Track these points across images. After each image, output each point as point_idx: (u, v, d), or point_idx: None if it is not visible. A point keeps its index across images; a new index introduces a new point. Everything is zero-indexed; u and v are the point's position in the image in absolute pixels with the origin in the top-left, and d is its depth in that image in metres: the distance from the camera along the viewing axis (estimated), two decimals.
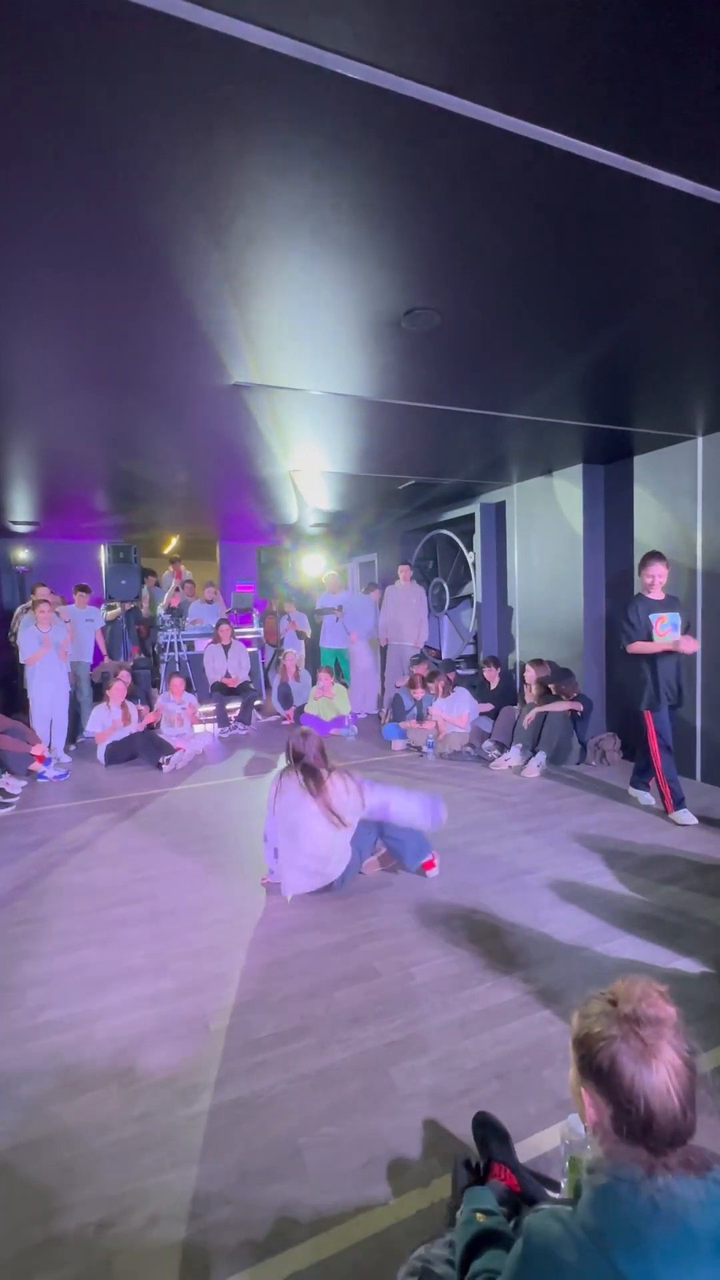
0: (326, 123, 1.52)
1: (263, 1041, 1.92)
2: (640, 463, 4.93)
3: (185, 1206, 1.41)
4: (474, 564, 6.63)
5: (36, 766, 4.96)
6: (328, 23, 1.25)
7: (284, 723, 6.98)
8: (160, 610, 7.57)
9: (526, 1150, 1.51)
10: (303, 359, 2.99)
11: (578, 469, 5.29)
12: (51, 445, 4.38)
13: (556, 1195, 1.34)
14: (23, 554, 9.08)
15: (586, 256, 2.14)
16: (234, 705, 6.74)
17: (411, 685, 5.76)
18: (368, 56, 1.33)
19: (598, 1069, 0.82)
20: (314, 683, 6.61)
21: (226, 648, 6.89)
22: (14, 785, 4.54)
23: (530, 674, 5.26)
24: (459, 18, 1.25)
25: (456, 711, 5.44)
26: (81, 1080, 1.79)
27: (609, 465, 5.26)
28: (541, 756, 4.86)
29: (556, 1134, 1.52)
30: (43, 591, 6.05)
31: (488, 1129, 1.45)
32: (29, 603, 6.09)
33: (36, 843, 3.63)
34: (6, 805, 4.27)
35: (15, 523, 7.52)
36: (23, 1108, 1.70)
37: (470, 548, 6.73)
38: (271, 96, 1.43)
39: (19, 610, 6.56)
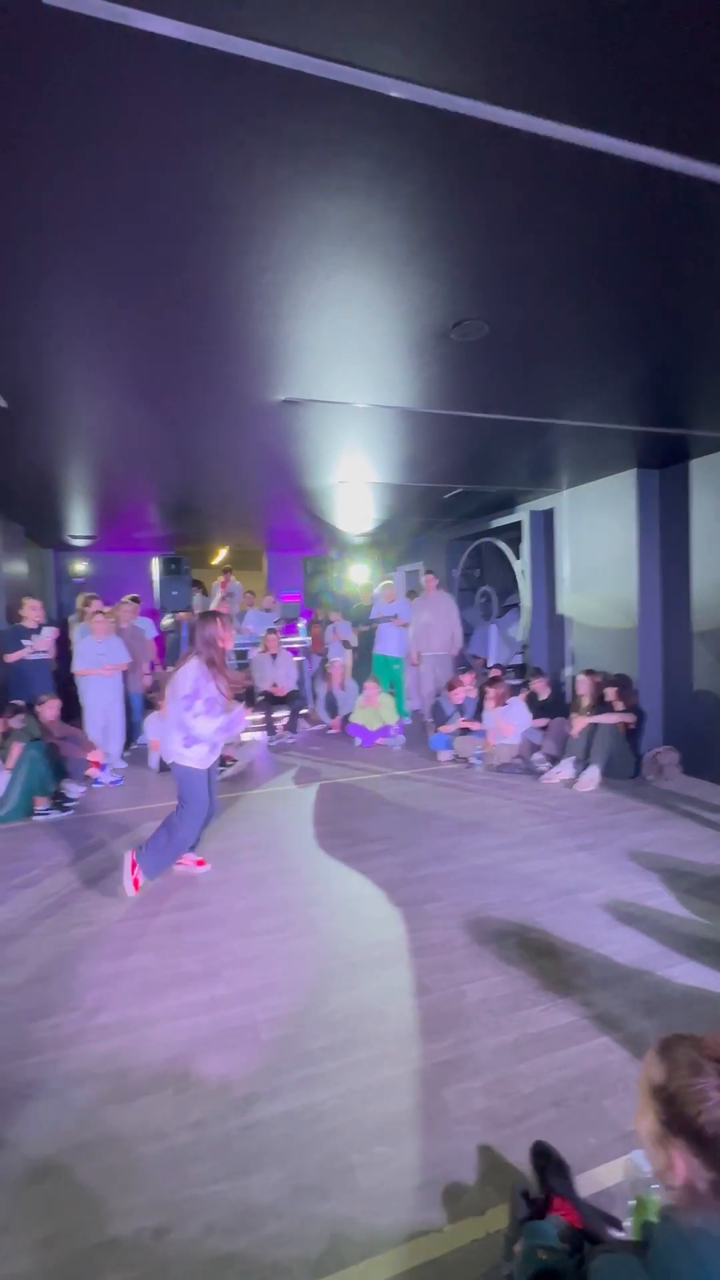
0: (377, 143, 1.54)
1: (314, 1054, 1.92)
2: (697, 466, 4.76)
3: (239, 1218, 1.41)
4: (522, 572, 6.53)
5: (93, 772, 5.14)
6: (375, 47, 1.27)
7: (330, 732, 7.01)
8: None
9: (587, 1184, 1.45)
10: (350, 373, 3.02)
11: (631, 474, 5.14)
12: (109, 463, 4.57)
13: (620, 1234, 1.28)
14: (80, 566, 9.46)
15: (641, 256, 2.09)
16: (281, 714, 6.81)
17: (450, 688, 5.71)
18: (415, 75, 1.34)
19: (697, 1132, 0.78)
20: (360, 692, 6.62)
21: (274, 656, 6.98)
22: (74, 790, 4.71)
23: (583, 685, 5.12)
24: (501, 27, 1.25)
25: (508, 721, 5.34)
26: (137, 1084, 1.83)
27: (664, 470, 5.10)
28: (595, 770, 4.72)
29: (619, 1169, 1.46)
30: (97, 605, 6.19)
31: (547, 1160, 1.40)
32: (78, 613, 6.32)
33: (94, 846, 3.75)
34: (67, 809, 4.43)
35: (74, 537, 7.85)
36: (79, 1110, 1.74)
37: (518, 555, 6.63)
38: (321, 122, 1.47)
39: (72, 619, 6.83)
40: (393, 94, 1.38)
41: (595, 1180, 1.46)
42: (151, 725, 5.67)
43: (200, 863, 3.34)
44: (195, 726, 2.98)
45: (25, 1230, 1.40)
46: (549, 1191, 1.32)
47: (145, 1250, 1.35)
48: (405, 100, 1.40)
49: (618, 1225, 1.32)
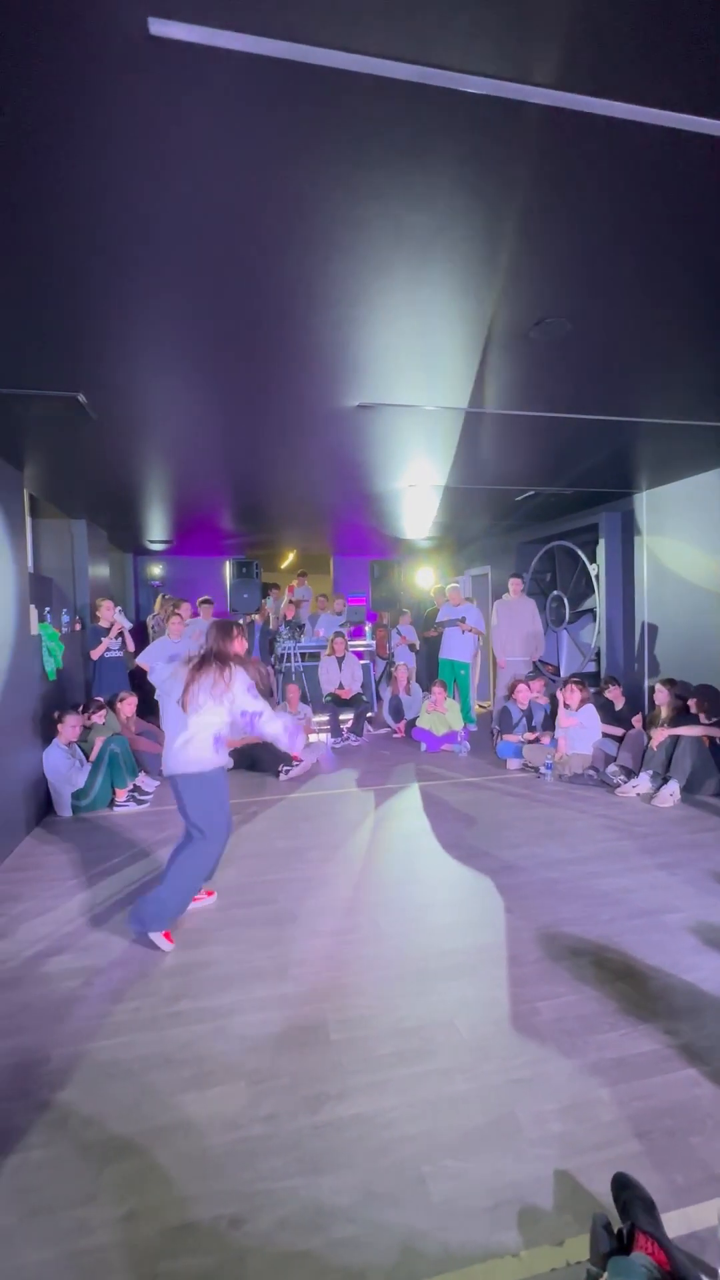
0: (462, 147, 1.52)
1: (383, 1059, 1.91)
2: None
3: (311, 1217, 1.42)
4: (597, 576, 6.30)
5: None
6: (455, 44, 1.26)
7: (395, 735, 7.00)
8: (279, 622, 7.91)
9: (674, 1223, 1.36)
10: (426, 377, 3.01)
11: (717, 473, 4.86)
12: (186, 470, 4.75)
13: None
14: (157, 569, 9.89)
15: None
16: (346, 717, 6.86)
17: (512, 692, 5.58)
18: (500, 71, 1.32)
19: None
20: (426, 696, 6.57)
21: (340, 660, 7.04)
22: (149, 784, 4.91)
23: (661, 695, 4.88)
24: (582, 10, 1.20)
25: (582, 729, 5.14)
26: (211, 1074, 1.87)
27: None
28: (674, 785, 4.48)
29: (711, 1212, 1.37)
30: (185, 608, 6.35)
31: (630, 1193, 1.34)
32: (156, 612, 6.61)
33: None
34: (143, 802, 4.63)
35: (152, 542, 8.21)
36: (157, 1093, 1.80)
37: (592, 559, 6.40)
38: (406, 128, 1.46)
39: (150, 619, 7.15)
40: (472, 90, 1.36)
41: (684, 1221, 1.38)
42: None
43: (210, 894, 3.05)
44: (263, 723, 2.69)
45: (110, 1205, 1.46)
46: (633, 1226, 1.26)
47: (221, 1238, 1.38)
48: (485, 96, 1.38)
49: (711, 1273, 1.24)
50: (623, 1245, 1.23)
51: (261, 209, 1.75)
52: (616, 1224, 1.30)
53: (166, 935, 2.60)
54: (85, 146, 1.50)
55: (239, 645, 2.82)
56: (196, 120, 1.45)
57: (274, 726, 2.68)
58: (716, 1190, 1.45)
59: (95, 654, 5.61)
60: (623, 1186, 1.37)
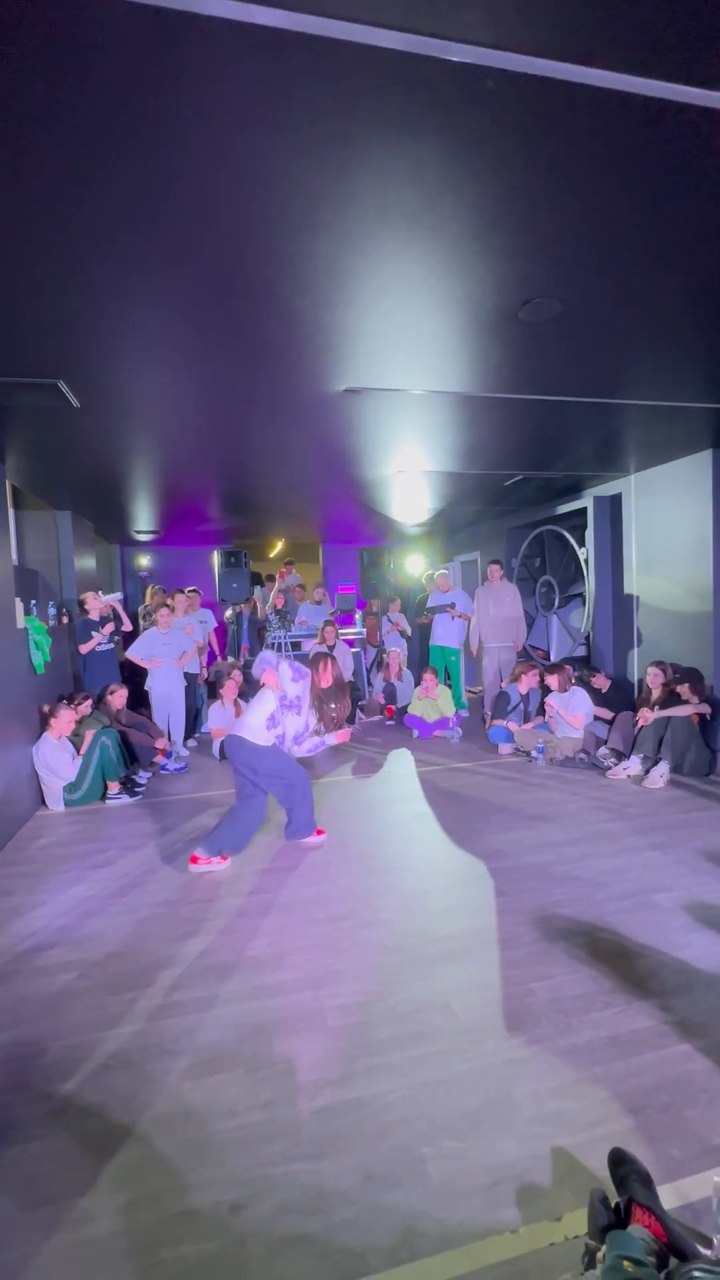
0: (450, 118, 1.48)
1: (381, 1044, 1.92)
2: None
3: (312, 1200, 1.43)
4: (586, 561, 6.30)
5: (159, 759, 5.33)
6: (446, 9, 1.21)
7: (387, 722, 7.01)
8: (268, 611, 7.87)
9: (668, 1197, 1.39)
10: (414, 360, 2.96)
11: (706, 455, 4.86)
12: (173, 460, 4.68)
13: (709, 1253, 1.23)
14: (144, 560, 9.80)
15: None
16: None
17: (515, 678, 5.59)
18: (487, 39, 1.27)
19: None
20: (417, 683, 6.58)
21: (331, 648, 7.02)
22: (141, 776, 4.89)
23: (654, 677, 4.92)
24: None
25: (572, 710, 5.17)
26: (209, 1062, 1.88)
27: None
28: (664, 766, 4.52)
29: (706, 1184, 1.39)
30: (180, 600, 6.32)
31: (627, 1168, 1.35)
32: (147, 603, 6.55)
33: (162, 830, 3.89)
34: (136, 794, 4.61)
35: (139, 533, 8.12)
36: (156, 1083, 1.81)
37: (582, 543, 6.40)
38: (394, 98, 1.42)
39: (141, 610, 7.09)
40: (470, 61, 1.32)
41: (679, 1194, 1.40)
42: (215, 714, 5.82)
43: (224, 858, 3.32)
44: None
45: (110, 1194, 1.47)
46: (630, 1200, 1.28)
47: (222, 1223, 1.39)
48: (473, 65, 1.33)
49: (707, 1243, 1.26)
50: (620, 1219, 1.25)
51: (243, 184, 1.70)
52: (614, 1198, 1.32)
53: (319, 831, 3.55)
54: (60, 122, 1.45)
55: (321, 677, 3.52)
56: (174, 93, 1.40)
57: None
58: (711, 1163, 1.48)
59: (85, 649, 5.51)
60: (619, 1162, 1.39)
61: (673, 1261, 1.13)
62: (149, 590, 7.05)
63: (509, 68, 1.34)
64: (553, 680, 5.23)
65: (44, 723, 4.48)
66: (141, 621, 6.78)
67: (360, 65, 1.33)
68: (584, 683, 5.60)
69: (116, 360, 2.81)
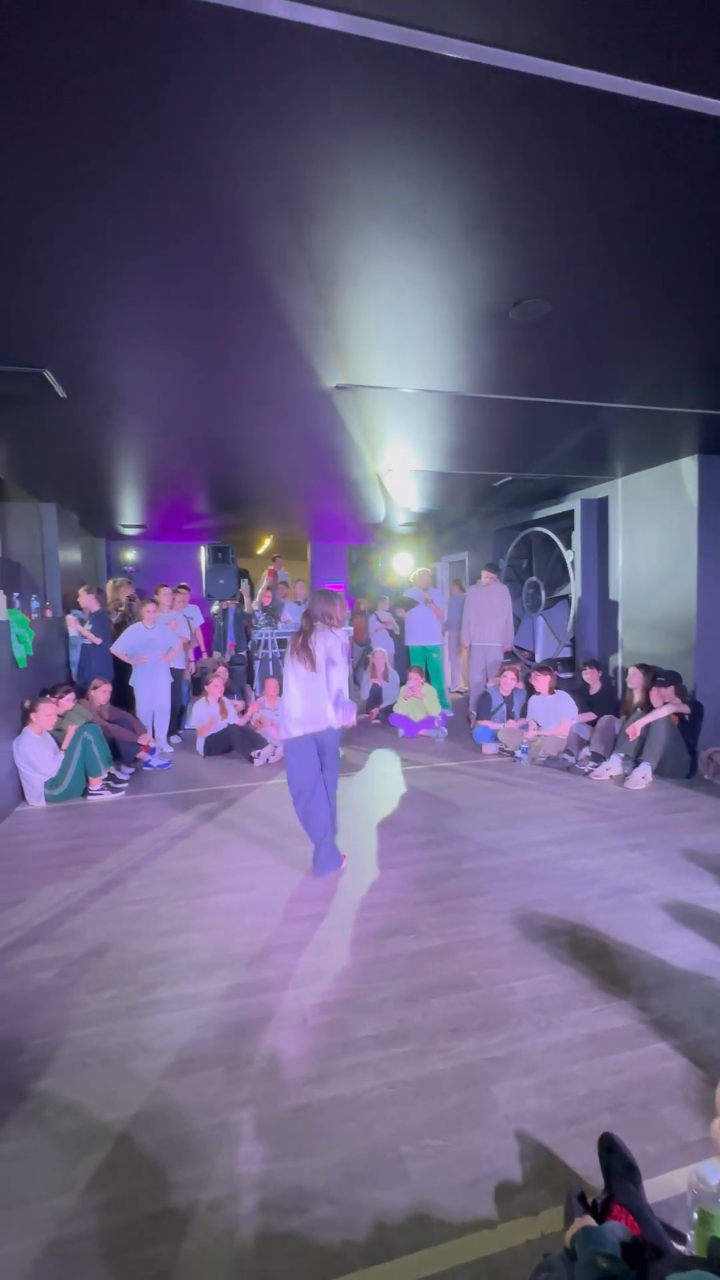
0: (442, 114, 1.48)
1: (361, 1042, 1.92)
2: None
3: (291, 1199, 1.43)
4: (572, 563, 6.35)
5: (143, 755, 5.29)
6: (440, 4, 1.21)
7: (372, 722, 7.01)
8: (255, 608, 7.83)
9: (646, 1192, 1.40)
10: (404, 358, 2.97)
11: (692, 460, 4.92)
12: (160, 453, 4.64)
13: (682, 1249, 1.24)
14: (130, 554, 9.70)
15: (715, 225, 1.97)
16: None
17: (498, 676, 5.62)
18: (480, 35, 1.28)
19: None
20: (403, 682, 6.59)
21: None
22: (124, 772, 4.85)
23: (635, 679, 4.97)
24: None
25: (557, 715, 5.21)
26: (189, 1060, 1.86)
27: None
28: (646, 767, 4.57)
29: (680, 1180, 1.41)
30: (164, 594, 6.40)
31: (614, 1157, 1.37)
32: (110, 598, 6.55)
33: (144, 827, 3.85)
34: (118, 790, 4.57)
35: (126, 526, 8.03)
36: (135, 1081, 1.79)
37: (568, 546, 6.45)
38: (388, 93, 1.42)
39: (110, 603, 7.06)
40: (460, 56, 1.31)
41: (655, 1189, 1.41)
42: (199, 711, 5.78)
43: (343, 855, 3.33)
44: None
45: (88, 1193, 1.45)
46: (609, 1197, 1.29)
47: (201, 1222, 1.38)
48: (466, 61, 1.34)
49: (681, 1239, 1.28)
50: (596, 1215, 1.26)
51: (234, 172, 1.69)
52: (593, 1195, 1.33)
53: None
54: (48, 110, 1.42)
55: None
56: (164, 81, 1.39)
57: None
58: (686, 1159, 1.50)
59: (92, 638, 5.58)
60: (608, 1149, 1.40)
61: (648, 1260, 1.14)
62: (110, 583, 6.95)
63: (504, 65, 1.34)
64: (539, 681, 5.27)
65: (25, 717, 4.42)
66: (110, 616, 6.75)
67: (354, 56, 1.32)
68: (578, 680, 5.64)
69: (103, 350, 2.78)
